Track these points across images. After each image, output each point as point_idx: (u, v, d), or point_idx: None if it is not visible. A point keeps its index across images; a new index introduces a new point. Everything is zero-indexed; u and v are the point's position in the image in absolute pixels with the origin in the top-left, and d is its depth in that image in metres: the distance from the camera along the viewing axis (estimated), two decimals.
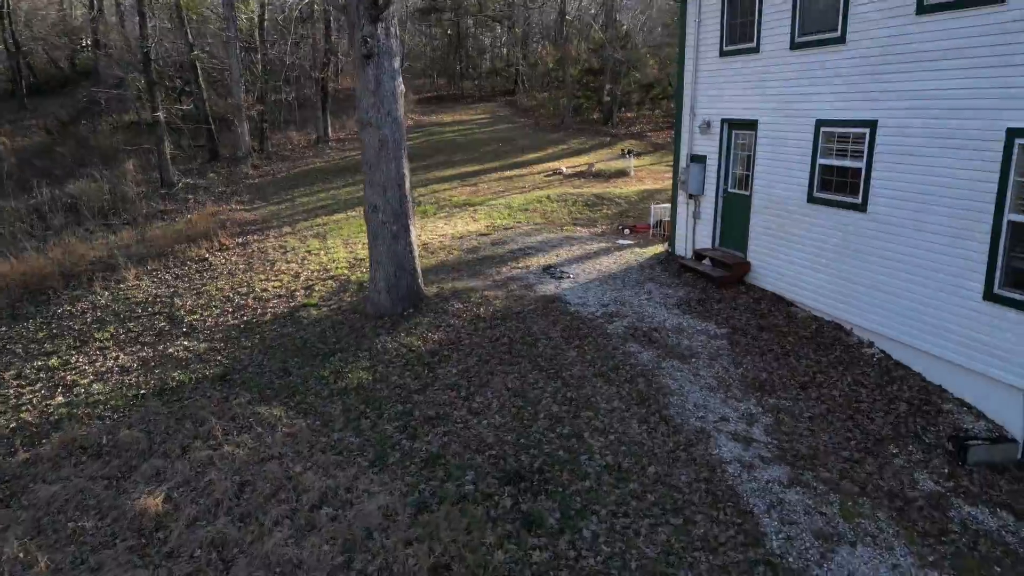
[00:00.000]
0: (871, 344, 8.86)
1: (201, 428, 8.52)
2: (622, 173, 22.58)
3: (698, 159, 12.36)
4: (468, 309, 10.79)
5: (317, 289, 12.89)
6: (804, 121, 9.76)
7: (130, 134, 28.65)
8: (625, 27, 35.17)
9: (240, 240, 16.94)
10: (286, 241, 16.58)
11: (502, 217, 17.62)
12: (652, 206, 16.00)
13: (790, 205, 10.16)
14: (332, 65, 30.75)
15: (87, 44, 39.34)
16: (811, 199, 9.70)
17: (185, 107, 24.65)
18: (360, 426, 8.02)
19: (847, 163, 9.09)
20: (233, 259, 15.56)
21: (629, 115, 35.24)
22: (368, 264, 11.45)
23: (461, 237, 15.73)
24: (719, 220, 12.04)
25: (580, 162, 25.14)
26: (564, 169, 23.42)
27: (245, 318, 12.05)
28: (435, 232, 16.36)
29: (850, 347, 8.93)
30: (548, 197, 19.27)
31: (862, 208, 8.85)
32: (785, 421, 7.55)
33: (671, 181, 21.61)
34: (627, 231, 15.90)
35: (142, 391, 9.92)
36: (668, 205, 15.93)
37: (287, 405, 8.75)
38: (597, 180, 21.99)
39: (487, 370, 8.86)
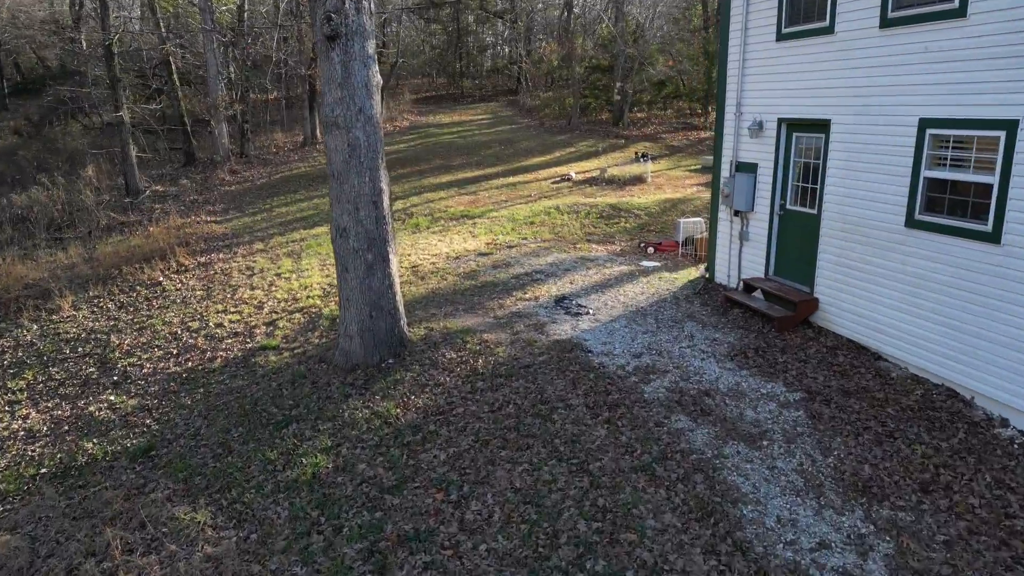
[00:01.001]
0: (1005, 422, 6.59)
1: (97, 540, 6.26)
2: (638, 180, 20.31)
3: (746, 168, 10.10)
4: (463, 360, 8.53)
5: (281, 326, 10.64)
6: (900, 121, 7.48)
7: (102, 136, 26.45)
8: (635, 21, 32.90)
9: (203, 259, 14.69)
10: (255, 260, 14.32)
11: (505, 232, 15.35)
12: (679, 221, 13.74)
13: (878, 229, 7.88)
14: None
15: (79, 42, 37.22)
16: (912, 223, 7.42)
17: (157, 106, 22.41)
18: (310, 546, 5.76)
19: (969, 177, 6.82)
20: (191, 283, 13.32)
21: (639, 115, 33.00)
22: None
23: (457, 257, 13.46)
24: (774, 243, 9.77)
25: (590, 167, 22.88)
26: (573, 175, 21.17)
27: (190, 363, 9.80)
28: (427, 251, 14.10)
29: (976, 425, 6.66)
30: (557, 208, 17.00)
31: (993, 237, 6.57)
32: (912, 550, 5.28)
33: (694, 190, 19.34)
34: (651, 250, 13.63)
35: (43, 469, 7.69)
36: (697, 219, 13.68)
37: (217, 504, 6.49)
38: (611, 187, 19.72)
39: (486, 457, 6.59)
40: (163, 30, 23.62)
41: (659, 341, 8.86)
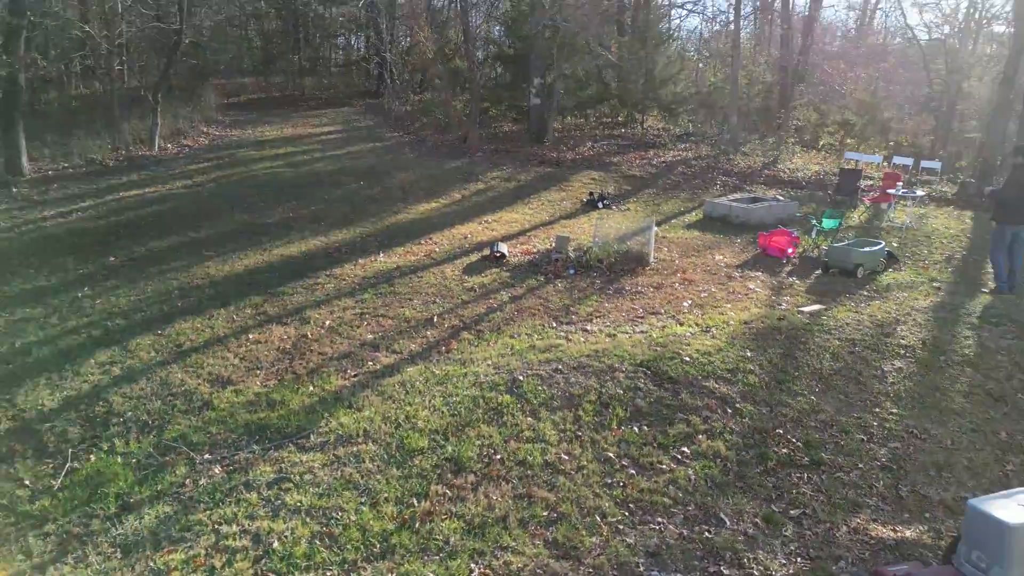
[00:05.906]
0: None
1: None
2: (635, 260, 10.36)
3: None
4: None
5: None
6: None
7: None
8: None
9: None
10: None
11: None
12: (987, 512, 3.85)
13: None
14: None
15: None
16: None
17: None
18: None
19: None
20: None
21: (556, 126, 23.32)
22: None
23: None
24: None
25: (525, 222, 12.74)
26: (504, 249, 10.84)
27: None
28: None
29: None
30: (512, 385, 6.51)
31: None
32: None
33: (758, 284, 7.44)
34: None
35: None
36: None
37: None
38: (592, 283, 9.63)
39: None
40: None
41: None
